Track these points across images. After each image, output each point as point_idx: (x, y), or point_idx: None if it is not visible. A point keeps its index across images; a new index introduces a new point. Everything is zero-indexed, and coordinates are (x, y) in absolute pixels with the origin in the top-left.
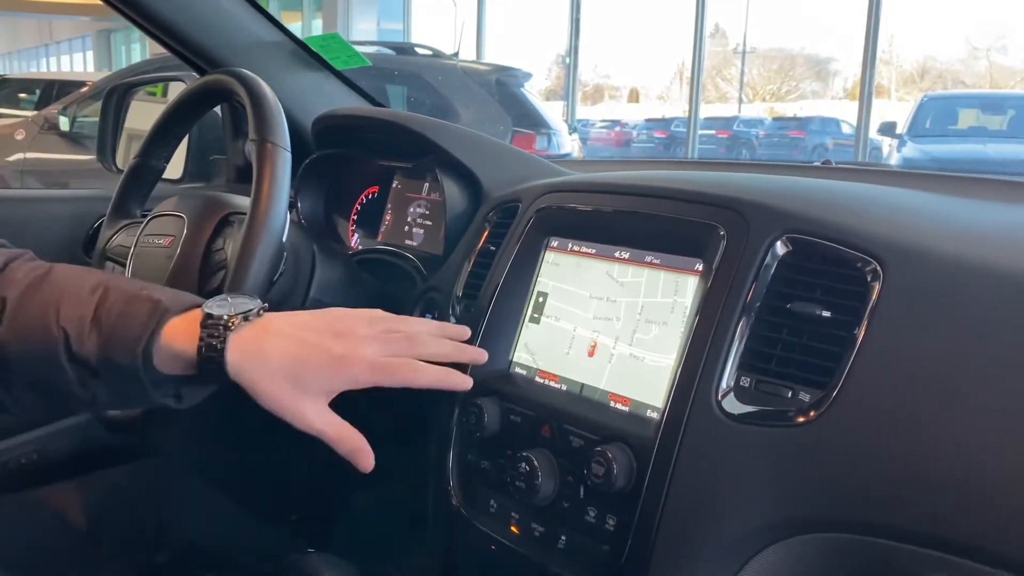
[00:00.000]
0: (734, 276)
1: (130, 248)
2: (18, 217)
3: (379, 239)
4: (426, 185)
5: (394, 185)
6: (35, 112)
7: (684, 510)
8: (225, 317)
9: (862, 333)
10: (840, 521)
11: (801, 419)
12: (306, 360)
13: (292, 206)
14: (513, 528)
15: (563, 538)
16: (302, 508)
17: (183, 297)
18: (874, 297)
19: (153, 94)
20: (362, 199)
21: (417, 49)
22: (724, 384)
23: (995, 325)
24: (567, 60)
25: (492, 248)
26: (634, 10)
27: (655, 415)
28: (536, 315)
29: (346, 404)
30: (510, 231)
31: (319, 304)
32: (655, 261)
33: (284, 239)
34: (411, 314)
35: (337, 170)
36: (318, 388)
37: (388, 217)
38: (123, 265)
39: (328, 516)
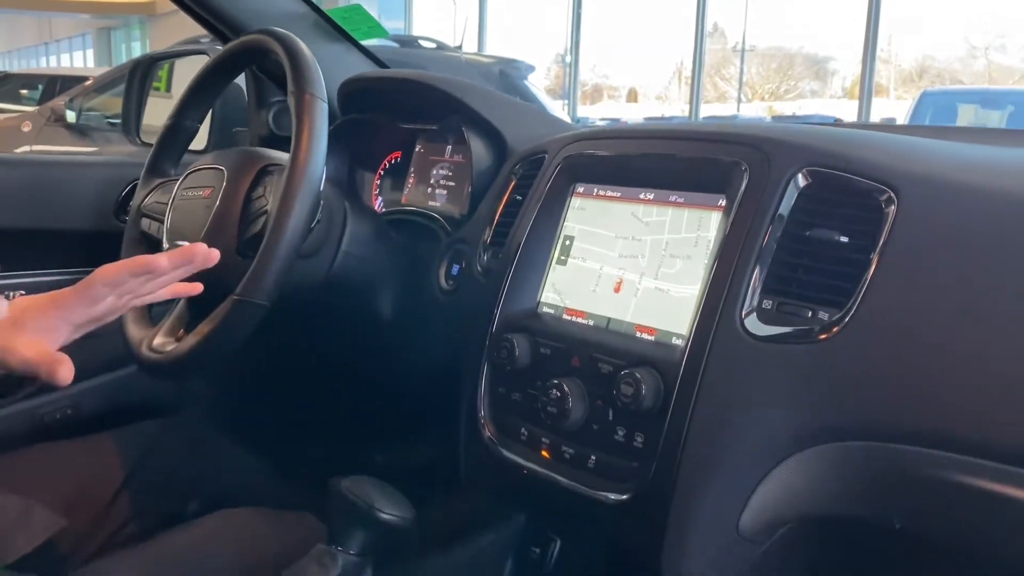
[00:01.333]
0: (756, 208)
1: (166, 204)
2: (50, 181)
3: (402, 201)
4: (448, 148)
5: (417, 149)
6: (41, 105)
7: (709, 425)
8: None
9: (877, 256)
10: (856, 429)
11: (821, 336)
12: (27, 305)
13: None
14: (544, 453)
15: (593, 458)
16: (334, 456)
17: None
18: (888, 223)
19: (157, 88)
20: (385, 164)
21: (421, 42)
22: (747, 307)
23: (1003, 245)
24: (567, 59)
25: (519, 198)
26: (632, 10)
27: (680, 341)
28: (563, 257)
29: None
30: (537, 180)
31: (350, 256)
32: (679, 200)
33: (321, 187)
34: (439, 266)
35: (361, 136)
36: (35, 327)
37: (411, 180)
38: (160, 221)
39: (360, 461)
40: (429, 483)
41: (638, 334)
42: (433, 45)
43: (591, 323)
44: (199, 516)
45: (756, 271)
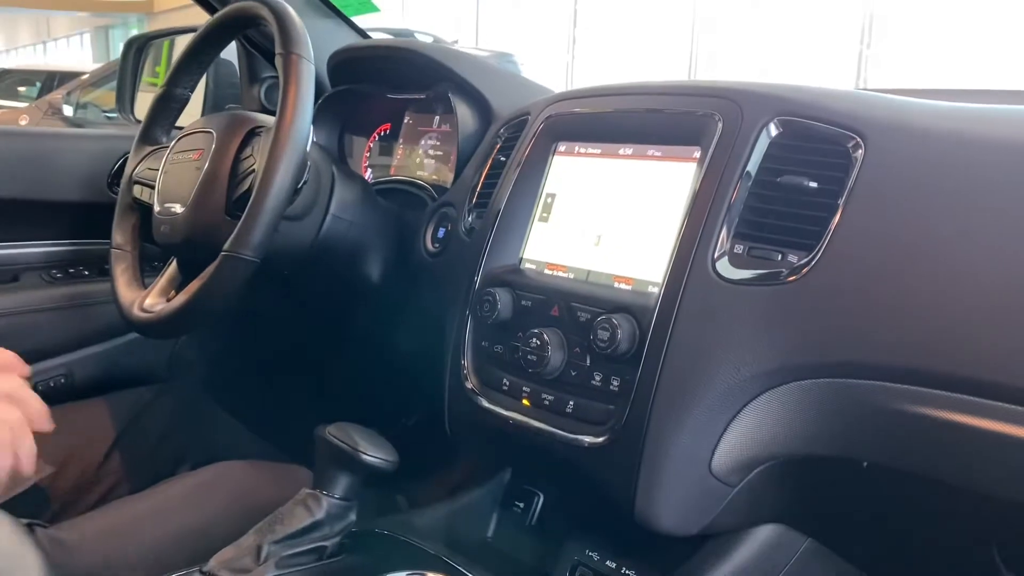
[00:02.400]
0: (729, 157)
1: (158, 170)
2: (44, 152)
3: (391, 172)
4: (436, 118)
5: (406, 121)
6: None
7: (682, 366)
8: None
9: (844, 200)
10: (822, 366)
11: (790, 278)
12: None
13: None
14: (525, 401)
15: (571, 403)
16: (324, 419)
17: None
18: (856, 168)
19: (153, 84)
20: (375, 135)
21: (417, 35)
22: (718, 251)
23: (969, 186)
24: (566, 59)
25: (503, 159)
26: (625, 29)
27: (655, 289)
28: (545, 215)
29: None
30: (519, 141)
31: (339, 220)
32: (656, 154)
33: (308, 148)
34: (426, 229)
35: (351, 107)
36: None
37: (400, 150)
38: (151, 187)
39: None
40: (418, 444)
41: (616, 284)
42: (430, 39)
43: (571, 276)
44: None
45: (728, 217)
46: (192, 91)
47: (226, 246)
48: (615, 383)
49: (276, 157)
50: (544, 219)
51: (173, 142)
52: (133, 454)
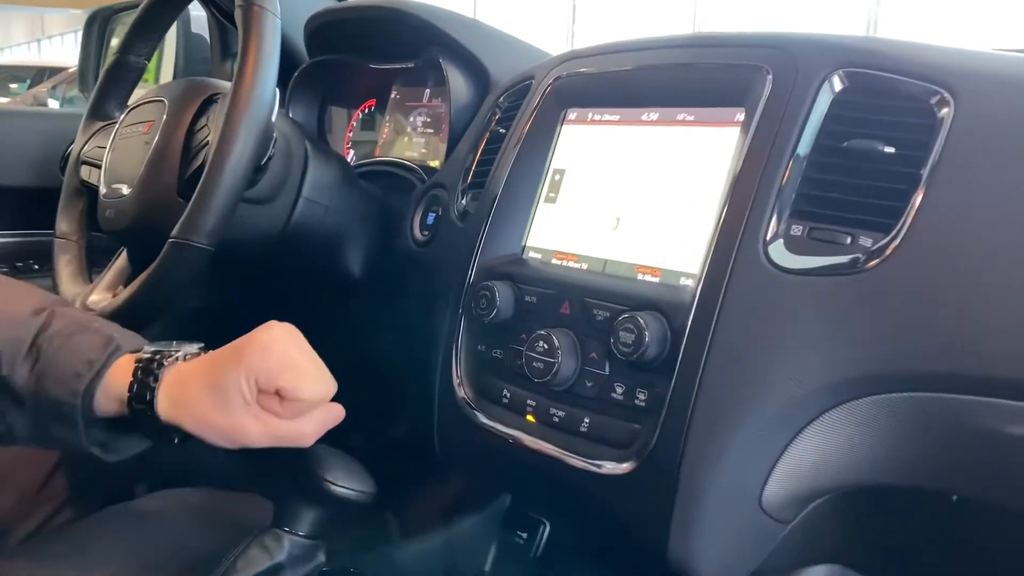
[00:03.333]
0: (782, 120)
1: (107, 148)
2: None
3: (376, 153)
4: (427, 91)
5: (393, 95)
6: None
7: (726, 377)
8: (163, 352)
9: (929, 169)
10: (905, 377)
11: (869, 264)
12: (217, 362)
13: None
14: (529, 417)
15: (586, 421)
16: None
17: (133, 336)
18: (943, 130)
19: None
20: (358, 113)
21: None
22: (771, 235)
23: None
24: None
25: (502, 131)
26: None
27: (690, 282)
28: (552, 194)
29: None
30: (521, 108)
31: (313, 204)
32: (688, 118)
33: (273, 117)
34: (414, 214)
35: (330, 82)
36: (237, 393)
37: (386, 129)
38: (100, 167)
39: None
40: (403, 463)
41: (640, 276)
42: None
43: (584, 266)
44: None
45: (782, 192)
46: (148, 59)
47: (174, 232)
48: (641, 397)
49: (233, 125)
50: (551, 200)
51: (122, 116)
52: (79, 475)
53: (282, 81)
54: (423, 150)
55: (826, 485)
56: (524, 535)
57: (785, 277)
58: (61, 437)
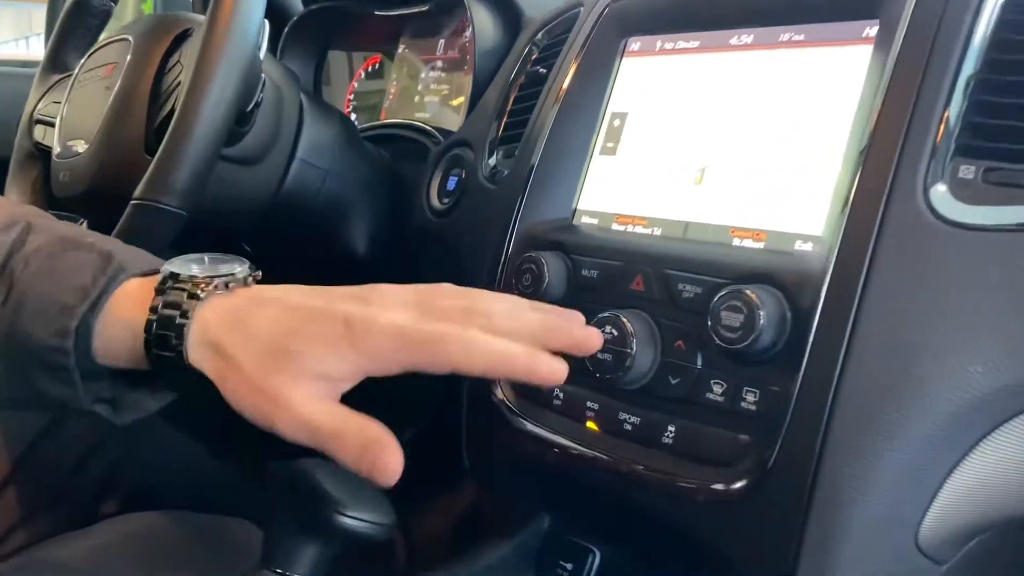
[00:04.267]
0: (937, 31)
1: (63, 101)
2: None
3: (382, 117)
4: (442, 42)
5: (401, 48)
6: None
7: (876, 372)
8: (197, 278)
9: None
10: None
11: None
12: (300, 328)
13: None
14: (590, 424)
15: (671, 429)
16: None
17: (141, 254)
18: None
19: None
20: (360, 72)
21: None
22: (932, 179)
23: None
24: None
25: (542, 71)
26: None
27: (808, 246)
28: (610, 144)
29: None
30: (569, 42)
31: (310, 167)
32: (796, 38)
33: (261, 55)
34: (431, 180)
35: (329, 34)
36: (314, 368)
37: (393, 88)
38: (53, 124)
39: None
40: (418, 477)
41: (736, 241)
42: None
43: (658, 231)
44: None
45: (945, 127)
46: (116, 1)
47: (137, 191)
48: (751, 398)
49: (209, 58)
50: (610, 150)
51: (81, 63)
52: (35, 491)
53: (274, 36)
54: (438, 111)
55: (998, 517)
56: (569, 567)
57: (956, 234)
58: (50, 393)
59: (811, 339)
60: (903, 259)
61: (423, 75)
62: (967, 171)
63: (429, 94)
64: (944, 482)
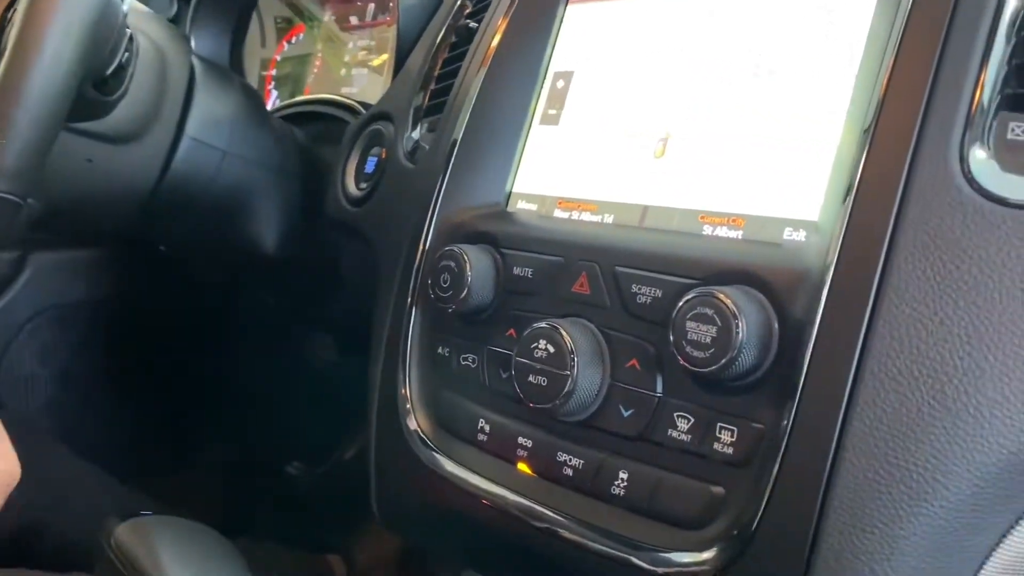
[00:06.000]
0: None
1: None
2: None
3: (306, 92)
4: (371, 6)
5: (325, 19)
6: None
7: (895, 404)
8: None
9: None
10: None
11: None
12: None
13: None
14: (522, 466)
15: (622, 476)
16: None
17: None
18: None
19: None
20: (282, 45)
21: None
22: (969, 141)
23: None
24: None
25: (472, 25)
26: None
27: (802, 235)
28: (553, 111)
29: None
30: None
31: (203, 147)
32: None
33: (125, 5)
34: (346, 161)
35: (245, 4)
36: None
37: (317, 62)
38: None
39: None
40: (345, 503)
41: (707, 228)
42: None
43: (609, 219)
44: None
45: (984, 66)
46: None
47: None
48: (726, 438)
49: (40, 8)
50: (552, 119)
51: None
52: None
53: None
54: (366, 83)
55: None
56: None
57: (1004, 214)
58: None
59: (807, 359)
60: (932, 250)
61: (350, 45)
62: (1017, 130)
63: (357, 65)
64: (989, 557)
